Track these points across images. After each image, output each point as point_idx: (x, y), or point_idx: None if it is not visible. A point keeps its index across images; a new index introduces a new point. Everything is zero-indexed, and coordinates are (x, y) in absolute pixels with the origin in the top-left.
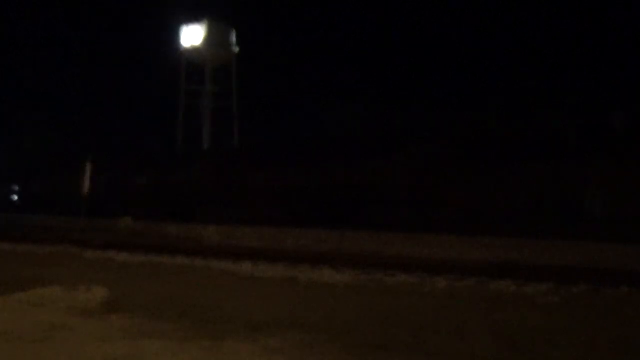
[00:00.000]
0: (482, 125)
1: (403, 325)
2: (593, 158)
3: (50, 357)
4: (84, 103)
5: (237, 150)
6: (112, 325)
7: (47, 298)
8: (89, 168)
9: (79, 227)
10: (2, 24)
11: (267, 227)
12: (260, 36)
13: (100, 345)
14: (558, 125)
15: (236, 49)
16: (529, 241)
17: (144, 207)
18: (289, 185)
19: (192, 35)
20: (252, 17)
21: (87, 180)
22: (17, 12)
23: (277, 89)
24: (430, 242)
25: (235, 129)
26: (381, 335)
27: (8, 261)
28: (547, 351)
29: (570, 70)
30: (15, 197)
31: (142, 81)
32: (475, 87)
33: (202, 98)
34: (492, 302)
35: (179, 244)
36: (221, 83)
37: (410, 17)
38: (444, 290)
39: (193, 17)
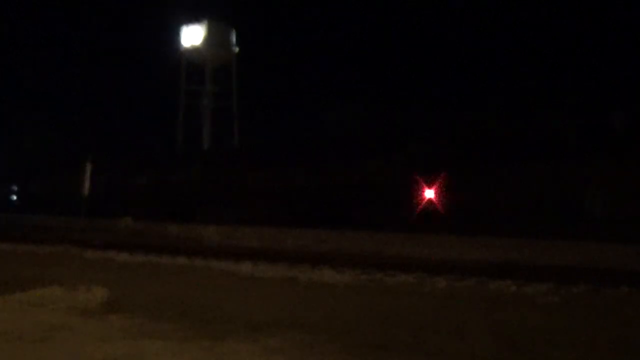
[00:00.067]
0: (482, 125)
1: (403, 325)
2: (593, 158)
3: (50, 357)
4: (84, 103)
5: (237, 150)
6: (112, 325)
7: (47, 298)
8: (89, 168)
9: (79, 227)
10: (2, 24)
11: (267, 227)
12: (260, 36)
13: (100, 345)
14: (558, 125)
15: (236, 49)
16: (529, 241)
17: (144, 207)
18: (288, 185)
19: (192, 35)
20: (252, 17)
21: (87, 180)
22: (17, 12)
23: (277, 89)
24: (430, 242)
25: (235, 129)
26: (381, 335)
27: (8, 261)
28: (547, 351)
29: (570, 70)
30: (14, 197)
31: (142, 81)
32: (475, 87)
33: (202, 98)
34: (492, 302)
35: (179, 244)
36: (221, 83)
37: (410, 17)
38: (444, 290)
39: (193, 17)
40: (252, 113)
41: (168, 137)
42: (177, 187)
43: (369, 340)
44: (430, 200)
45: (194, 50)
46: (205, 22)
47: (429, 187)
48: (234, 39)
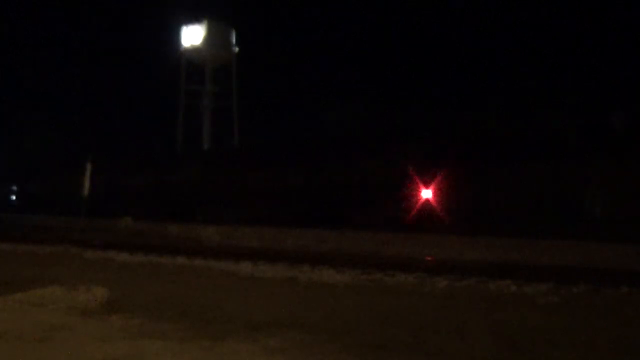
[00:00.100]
0: (482, 125)
1: (403, 325)
2: (593, 158)
3: (50, 357)
4: (84, 103)
5: (237, 150)
6: (112, 325)
7: (47, 298)
8: (89, 168)
9: (79, 227)
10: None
11: (267, 227)
12: (260, 36)
13: (100, 345)
14: (558, 125)
15: (236, 49)
16: (529, 241)
17: (144, 207)
18: (288, 185)
19: (192, 35)
20: (252, 17)
21: (87, 180)
22: (17, 12)
23: (277, 89)
24: (430, 242)
25: (235, 129)
26: (381, 335)
27: (8, 261)
28: (547, 351)
29: (570, 70)
30: (14, 197)
31: (142, 81)
32: (475, 87)
33: (202, 98)
34: (492, 302)
35: (179, 244)
36: (221, 83)
37: (410, 17)
38: (444, 290)
39: (193, 17)
40: (252, 113)
41: (168, 137)
42: (177, 187)
43: (368, 340)
44: (427, 200)
45: (194, 50)
46: (205, 22)
47: (426, 187)
48: (234, 39)
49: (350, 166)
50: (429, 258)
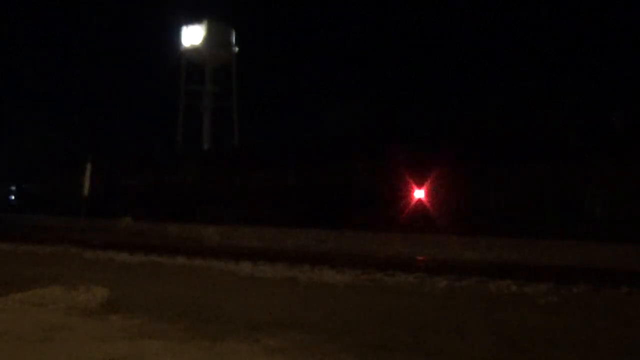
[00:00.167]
0: (482, 125)
1: (403, 325)
2: (593, 158)
3: (50, 357)
4: (84, 103)
5: (237, 150)
6: (112, 325)
7: (47, 298)
8: (89, 168)
9: (79, 227)
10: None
11: (267, 227)
12: (260, 36)
13: (100, 345)
14: (558, 125)
15: (236, 49)
16: (529, 241)
17: (144, 207)
18: (288, 185)
19: (192, 35)
20: (252, 17)
21: (87, 180)
22: (17, 12)
23: (277, 89)
24: (430, 242)
25: (235, 129)
26: (381, 335)
27: (8, 261)
28: (547, 351)
29: (570, 70)
30: (12, 197)
31: (142, 81)
32: (475, 87)
33: (202, 98)
34: (492, 302)
35: (179, 244)
36: (221, 83)
37: (410, 17)
38: (444, 290)
39: (193, 17)
40: (252, 113)
41: (168, 137)
42: (177, 187)
43: (368, 340)
44: (419, 200)
45: (194, 50)
46: (205, 22)
47: (426, 187)
48: (234, 39)
49: (350, 166)
50: (420, 257)
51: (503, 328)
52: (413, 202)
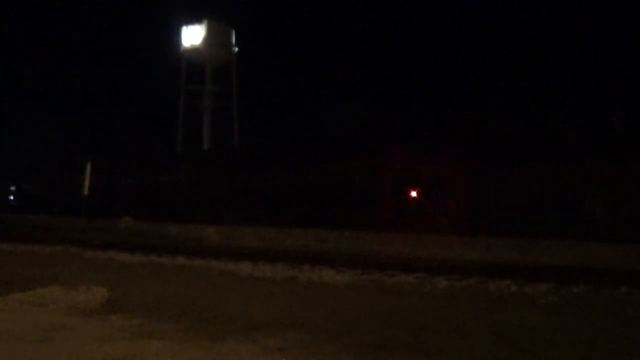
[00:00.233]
0: (482, 125)
1: (403, 325)
2: (593, 158)
3: (50, 357)
4: (84, 103)
5: (237, 150)
6: (112, 325)
7: (47, 298)
8: (89, 168)
9: (79, 227)
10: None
11: (267, 227)
12: (260, 36)
13: (100, 345)
14: (558, 125)
15: (236, 49)
16: (529, 241)
17: (144, 207)
18: (288, 185)
19: (192, 35)
20: (252, 17)
21: (87, 180)
22: (17, 12)
23: (277, 89)
24: (430, 242)
25: (235, 129)
26: (381, 335)
27: (8, 261)
28: (547, 351)
29: (570, 70)
30: (11, 197)
31: (142, 81)
32: (475, 87)
33: (202, 98)
34: (492, 302)
35: (179, 244)
36: (221, 83)
37: (410, 17)
38: (444, 290)
39: (193, 17)
40: (252, 113)
41: (168, 137)
42: (177, 187)
43: (368, 340)
44: (419, 200)
45: (194, 50)
46: (205, 22)
47: (420, 187)
48: (234, 39)
49: (350, 166)
50: (420, 257)
51: (503, 328)
52: (413, 202)
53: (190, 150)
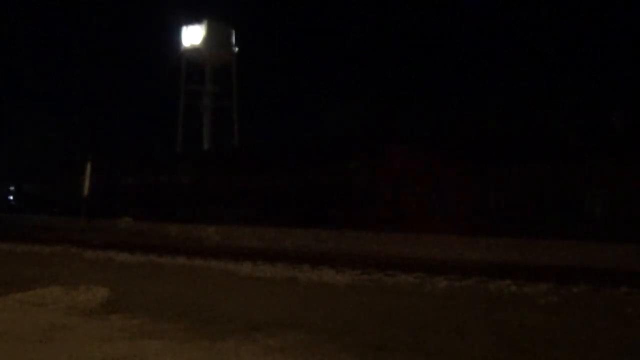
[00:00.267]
0: (482, 125)
1: (403, 325)
2: (593, 158)
3: (50, 357)
4: (84, 103)
5: (237, 151)
6: (112, 325)
7: (47, 298)
8: (89, 168)
9: (79, 227)
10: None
11: (267, 227)
12: (260, 36)
13: (100, 345)
14: (558, 125)
15: (236, 49)
16: (529, 241)
17: (144, 207)
18: (288, 185)
19: (192, 35)
20: (252, 17)
21: (87, 180)
22: (17, 12)
23: (277, 89)
24: (430, 242)
25: (235, 129)
26: (381, 335)
27: (8, 261)
28: (547, 351)
29: (570, 70)
30: (11, 197)
31: (142, 81)
32: (475, 87)
33: (202, 98)
34: (492, 302)
35: (179, 244)
36: (221, 83)
37: (410, 17)
38: (444, 290)
39: (193, 17)
40: (252, 113)
41: (168, 137)
42: (177, 187)
43: (368, 340)
44: (418, 200)
45: (194, 50)
46: (205, 22)
47: (419, 187)
48: (234, 39)
49: (350, 166)
50: (420, 257)
51: (503, 328)
52: (413, 202)
53: (190, 150)
